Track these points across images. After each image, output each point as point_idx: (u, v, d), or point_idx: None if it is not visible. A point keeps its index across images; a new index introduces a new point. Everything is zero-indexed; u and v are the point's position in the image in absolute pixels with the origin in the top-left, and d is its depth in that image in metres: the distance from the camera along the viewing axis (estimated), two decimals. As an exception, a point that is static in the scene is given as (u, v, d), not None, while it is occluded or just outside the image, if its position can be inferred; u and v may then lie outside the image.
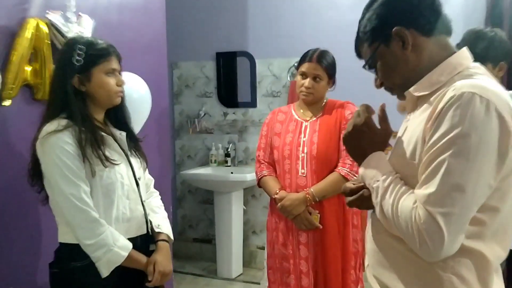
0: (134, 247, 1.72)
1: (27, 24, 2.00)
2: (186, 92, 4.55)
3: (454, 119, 1.01)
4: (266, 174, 2.49)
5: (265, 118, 2.65)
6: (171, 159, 4.42)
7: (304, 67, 2.39)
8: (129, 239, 1.73)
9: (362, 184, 1.24)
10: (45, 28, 2.04)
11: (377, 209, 1.15)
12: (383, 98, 1.32)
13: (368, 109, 1.23)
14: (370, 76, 1.29)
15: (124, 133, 1.83)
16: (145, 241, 1.83)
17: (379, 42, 1.20)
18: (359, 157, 1.24)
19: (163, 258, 1.80)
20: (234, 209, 4.06)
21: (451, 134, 1.01)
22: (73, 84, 1.69)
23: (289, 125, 2.47)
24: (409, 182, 1.12)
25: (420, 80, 1.17)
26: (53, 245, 1.75)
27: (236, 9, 4.26)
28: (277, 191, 2.40)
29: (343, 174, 2.33)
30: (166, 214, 1.97)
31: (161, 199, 2.02)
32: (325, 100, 2.48)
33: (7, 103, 1.97)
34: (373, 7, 1.21)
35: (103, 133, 1.74)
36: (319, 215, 2.35)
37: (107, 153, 1.70)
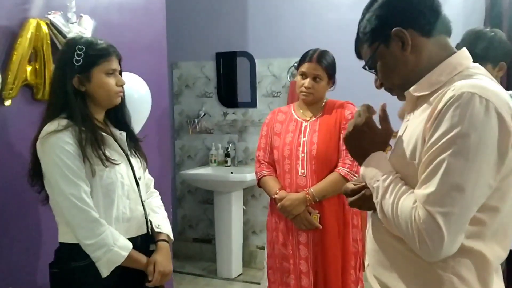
0: (134, 247, 1.72)
1: (27, 24, 2.00)
2: (186, 92, 4.55)
3: (454, 119, 1.01)
4: (266, 174, 2.49)
5: (265, 118, 2.65)
6: (171, 159, 4.42)
7: (304, 67, 2.40)
8: (129, 239, 1.73)
9: (363, 184, 1.25)
10: (45, 28, 2.04)
11: (378, 208, 1.16)
12: (383, 98, 1.32)
13: (369, 109, 1.23)
14: (370, 76, 1.29)
15: (124, 133, 1.83)
16: (145, 241, 1.84)
17: (379, 42, 1.20)
18: (360, 157, 1.24)
19: (163, 258, 1.80)
20: (234, 209, 4.06)
21: (451, 134, 1.01)
22: (73, 84, 1.69)
23: (289, 125, 2.47)
24: (409, 182, 1.12)
25: (419, 80, 1.17)
26: (53, 245, 1.75)
27: (236, 9, 4.26)
28: (277, 191, 2.40)
29: (343, 174, 2.34)
30: (166, 214, 1.97)
31: (161, 199, 2.02)
32: (325, 100, 2.48)
33: (7, 103, 1.98)
34: (372, 8, 1.21)
35: (103, 133, 1.74)
36: (319, 215, 2.35)
37: (107, 153, 1.70)
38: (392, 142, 1.26)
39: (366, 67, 1.26)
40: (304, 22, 4.00)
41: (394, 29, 1.16)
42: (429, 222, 1.01)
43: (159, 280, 1.77)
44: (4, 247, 2.01)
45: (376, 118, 1.25)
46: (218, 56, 4.36)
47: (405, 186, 1.11)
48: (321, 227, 2.35)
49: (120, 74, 1.81)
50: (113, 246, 1.65)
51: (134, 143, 1.89)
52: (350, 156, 2.30)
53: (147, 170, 1.96)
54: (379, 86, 1.27)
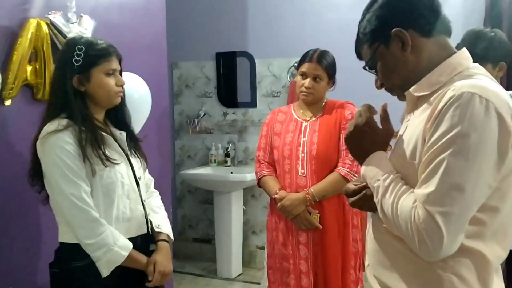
0: (134, 247, 1.72)
1: (27, 24, 2.00)
2: (186, 92, 4.55)
3: (454, 119, 1.01)
4: (266, 174, 2.49)
5: (265, 118, 2.65)
6: (171, 159, 4.42)
7: (304, 67, 2.40)
8: (129, 238, 1.74)
9: (364, 184, 1.25)
10: (45, 28, 2.05)
11: (378, 208, 1.16)
12: (383, 98, 1.32)
13: (369, 109, 1.23)
14: (370, 76, 1.29)
15: (124, 133, 1.83)
16: (145, 241, 1.84)
17: (379, 43, 1.20)
18: (361, 157, 1.24)
19: (163, 258, 1.80)
20: (234, 209, 4.06)
21: (451, 134, 1.01)
22: (72, 84, 1.69)
23: (289, 125, 2.47)
24: (409, 182, 1.12)
25: (419, 80, 1.17)
26: (53, 245, 1.75)
27: (236, 9, 4.26)
28: (277, 191, 2.40)
29: (343, 174, 2.34)
30: (166, 214, 1.98)
31: (161, 199, 2.03)
32: (325, 100, 2.49)
33: (7, 103, 1.98)
34: (372, 8, 1.21)
35: (103, 133, 1.74)
36: (319, 215, 2.35)
37: (107, 153, 1.70)
38: (392, 142, 1.26)
39: (366, 67, 1.26)
40: (304, 22, 4.00)
41: (394, 29, 1.16)
42: (428, 221, 1.02)
43: (159, 280, 1.77)
44: (4, 247, 2.01)
45: (377, 118, 1.25)
46: (218, 56, 4.36)
47: (405, 186, 1.11)
48: (321, 227, 2.35)
49: (120, 74, 1.81)
50: (113, 246, 1.65)
51: (134, 143, 1.89)
52: (350, 156, 2.33)
53: (147, 170, 1.96)
54: (379, 86, 1.27)
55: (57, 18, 2.08)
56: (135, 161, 1.85)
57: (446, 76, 1.14)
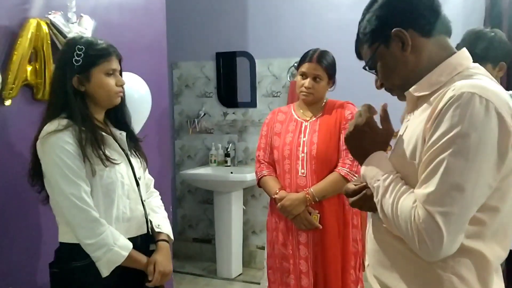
0: (134, 247, 1.72)
1: (27, 24, 2.00)
2: (186, 92, 4.55)
3: (454, 119, 1.01)
4: (266, 174, 2.49)
5: (265, 118, 2.65)
6: (171, 159, 4.42)
7: (304, 67, 2.40)
8: (129, 238, 1.74)
9: (364, 184, 1.25)
10: (45, 28, 2.05)
11: (378, 208, 1.16)
12: (383, 98, 1.32)
13: (370, 109, 1.24)
14: (370, 76, 1.29)
15: (124, 133, 1.84)
16: (145, 241, 1.84)
17: (379, 43, 1.20)
18: (361, 157, 1.24)
19: (163, 258, 1.80)
20: (234, 209, 4.06)
21: (451, 134, 1.01)
22: (72, 84, 1.69)
23: (289, 125, 2.47)
24: (410, 182, 1.12)
25: (419, 80, 1.17)
26: (53, 245, 1.75)
27: (236, 10, 4.26)
28: (277, 191, 2.40)
29: (343, 174, 2.34)
30: (166, 214, 1.98)
31: (161, 199, 2.03)
32: (325, 100, 2.49)
33: (7, 103, 1.98)
34: (372, 8, 1.21)
35: (103, 133, 1.74)
36: (319, 215, 2.35)
37: (107, 153, 1.70)
38: (393, 142, 1.26)
39: (366, 67, 1.26)
40: (304, 22, 4.00)
41: (394, 29, 1.16)
42: (428, 221, 1.02)
43: (159, 280, 1.77)
44: (4, 247, 2.01)
45: (377, 118, 1.25)
46: (218, 56, 4.36)
47: (405, 186, 1.11)
48: (321, 227, 2.35)
49: (121, 74, 1.81)
50: (113, 246, 1.65)
51: (134, 143, 1.89)
52: (350, 156, 2.33)
53: (147, 170, 1.96)
54: (379, 86, 1.27)
55: (57, 18, 2.08)
56: (135, 161, 1.85)
57: (446, 76, 1.14)
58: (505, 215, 1.09)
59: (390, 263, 1.20)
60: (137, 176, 1.83)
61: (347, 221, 2.40)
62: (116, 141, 1.79)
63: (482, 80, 1.09)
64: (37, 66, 2.05)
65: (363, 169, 1.23)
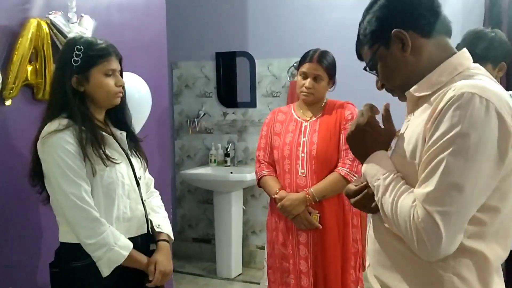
0: (134, 247, 1.72)
1: (28, 24, 2.00)
2: (186, 92, 4.55)
3: (454, 118, 1.01)
4: (266, 174, 2.49)
5: (265, 118, 2.65)
6: (171, 159, 4.42)
7: (304, 67, 2.40)
8: (130, 238, 1.74)
9: (365, 183, 1.25)
10: (46, 28, 2.05)
11: (379, 206, 1.16)
12: (383, 98, 1.32)
13: (371, 108, 1.24)
14: (370, 76, 1.29)
15: (124, 133, 1.84)
16: (146, 241, 1.84)
17: (379, 44, 1.20)
18: (362, 156, 1.24)
19: (163, 258, 1.80)
20: (234, 209, 4.06)
21: (451, 134, 1.01)
22: (71, 84, 1.69)
23: (289, 125, 2.47)
24: (410, 182, 1.12)
25: (420, 81, 1.17)
26: (53, 245, 1.75)
27: (235, 9, 4.26)
28: (277, 191, 2.40)
29: (343, 174, 2.34)
30: (166, 214, 1.98)
31: (161, 199, 2.03)
32: (325, 101, 2.49)
33: (8, 102, 1.98)
34: (372, 9, 1.22)
35: (103, 133, 1.74)
36: (318, 215, 2.36)
37: (107, 152, 1.70)
38: (394, 142, 1.26)
39: (367, 68, 1.26)
40: (304, 22, 4.00)
41: (394, 30, 1.16)
42: (427, 221, 1.02)
43: (159, 280, 1.77)
44: (4, 247, 2.01)
45: (379, 118, 1.25)
46: (218, 56, 4.36)
47: (405, 185, 1.12)
48: (321, 227, 2.35)
49: (121, 74, 1.81)
50: (113, 246, 1.65)
51: (135, 143, 1.89)
52: (350, 156, 2.33)
53: (147, 170, 1.96)
54: (380, 87, 1.28)
55: (57, 18, 2.08)
56: (136, 161, 1.85)
57: (446, 76, 1.14)
58: (506, 215, 1.09)
59: (390, 263, 1.20)
60: (138, 176, 1.83)
61: (347, 221, 2.40)
62: (117, 141, 1.79)
63: (482, 81, 1.09)
64: (37, 66, 2.05)
65: (364, 168, 1.23)
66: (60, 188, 1.63)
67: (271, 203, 2.52)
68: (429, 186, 1.03)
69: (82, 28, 2.16)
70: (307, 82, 2.39)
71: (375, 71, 1.25)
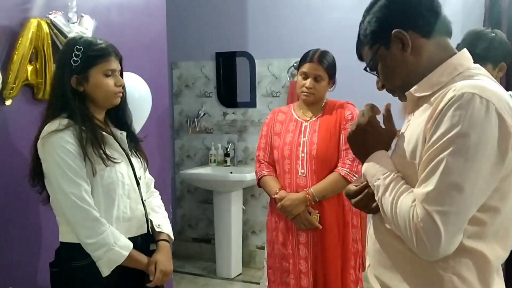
0: (134, 247, 1.72)
1: (28, 24, 2.00)
2: (186, 92, 4.55)
3: (454, 119, 1.01)
4: (266, 174, 2.49)
5: (265, 118, 2.65)
6: (171, 159, 4.42)
7: (305, 68, 2.40)
8: (130, 238, 1.74)
9: (365, 183, 1.25)
10: (46, 28, 2.05)
11: (379, 206, 1.16)
12: (383, 98, 1.33)
13: (372, 108, 1.24)
14: (370, 76, 1.30)
15: (124, 133, 1.84)
16: (146, 241, 1.84)
17: (379, 44, 1.20)
18: (363, 156, 1.25)
19: (164, 258, 1.81)
20: (234, 209, 4.06)
21: (451, 134, 1.01)
22: (71, 84, 1.69)
23: (289, 125, 2.47)
24: (410, 182, 1.12)
25: (420, 81, 1.17)
26: (53, 244, 1.75)
27: (235, 9, 4.26)
28: (277, 191, 2.40)
29: (342, 174, 2.34)
30: (166, 214, 1.98)
31: (161, 199, 2.03)
32: (325, 101, 2.49)
33: (8, 102, 1.98)
34: (373, 10, 1.22)
35: (103, 132, 1.74)
36: (318, 215, 2.36)
37: (107, 152, 1.70)
38: (394, 142, 1.27)
39: (367, 69, 1.26)
40: (304, 22, 4.00)
41: (394, 30, 1.16)
42: (426, 220, 1.02)
43: (160, 280, 1.77)
44: (4, 247, 2.01)
45: (379, 118, 1.25)
46: (218, 56, 4.36)
47: (405, 185, 1.12)
48: (321, 227, 2.35)
49: (122, 74, 1.80)
50: (113, 246, 1.65)
51: (135, 143, 1.89)
52: (350, 156, 2.33)
53: (147, 170, 1.96)
54: (380, 87, 1.28)
55: (57, 18, 2.08)
56: (136, 161, 1.85)
57: (447, 77, 1.14)
58: (506, 215, 1.09)
59: (390, 263, 1.20)
60: (138, 176, 1.83)
61: (347, 221, 2.40)
62: (117, 141, 1.80)
63: (482, 81, 1.09)
64: (37, 66, 2.05)
65: (364, 167, 1.23)
66: (60, 188, 1.63)
67: (271, 203, 2.52)
68: (429, 186, 1.03)
69: (82, 28, 2.16)
70: (308, 82, 2.39)
71: (375, 72, 1.25)
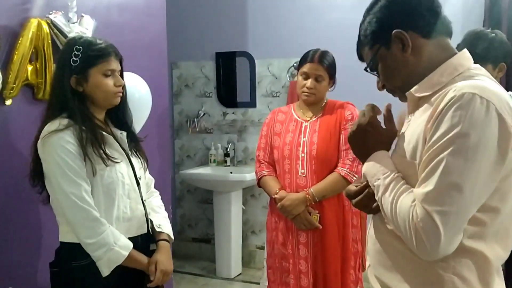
0: (134, 247, 1.72)
1: (28, 24, 2.00)
2: (186, 92, 4.55)
3: (454, 119, 1.02)
4: (266, 174, 2.49)
5: (265, 118, 2.65)
6: (171, 159, 4.42)
7: (305, 68, 2.40)
8: (130, 238, 1.74)
9: (365, 183, 1.25)
10: (46, 28, 2.05)
11: (379, 206, 1.16)
12: (383, 98, 1.33)
13: (373, 108, 1.24)
14: (370, 76, 1.30)
15: (124, 133, 1.84)
16: (146, 241, 1.84)
17: (380, 45, 1.20)
18: (363, 156, 1.25)
19: (164, 258, 1.81)
20: (233, 208, 4.06)
21: (451, 134, 1.01)
22: (70, 84, 1.69)
23: (289, 125, 2.47)
24: (410, 182, 1.12)
25: (420, 81, 1.18)
26: (53, 244, 1.75)
27: (235, 9, 4.26)
28: (277, 191, 2.40)
29: (342, 175, 2.34)
30: (166, 214, 1.98)
31: (161, 199, 2.03)
32: (325, 101, 2.49)
33: (8, 102, 1.98)
34: (373, 10, 1.22)
35: (103, 132, 1.74)
36: (318, 215, 2.36)
37: (108, 152, 1.70)
38: (395, 142, 1.27)
39: (368, 69, 1.26)
40: (304, 22, 4.00)
41: (394, 31, 1.16)
42: (426, 220, 1.02)
43: (160, 280, 1.77)
44: (4, 247, 2.01)
45: (380, 118, 1.25)
46: (218, 56, 4.36)
47: (405, 185, 1.12)
48: (321, 227, 2.35)
49: (122, 74, 1.80)
50: (113, 246, 1.65)
51: (135, 143, 1.89)
52: (350, 157, 2.33)
53: (147, 170, 1.96)
54: (381, 88, 1.28)
55: (58, 18, 2.08)
56: (136, 161, 1.85)
57: (447, 77, 1.14)
58: (506, 215, 1.09)
59: (391, 264, 1.20)
60: (138, 176, 1.83)
61: (347, 221, 2.40)
62: (117, 141, 1.80)
63: (483, 81, 1.09)
64: (37, 66, 2.06)
65: (364, 167, 1.23)
66: (60, 188, 1.63)
67: (271, 203, 2.52)
68: (429, 186, 1.03)
69: (83, 28, 2.16)
70: (309, 82, 2.39)
71: (375, 72, 1.26)
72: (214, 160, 4.35)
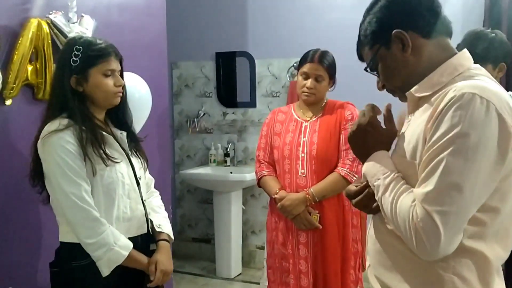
0: (134, 247, 1.72)
1: (28, 24, 2.00)
2: (186, 92, 4.55)
3: (454, 119, 1.02)
4: (266, 174, 2.49)
5: (265, 118, 2.65)
6: (171, 158, 4.42)
7: (305, 68, 2.40)
8: (130, 238, 1.74)
9: (365, 183, 1.25)
10: (46, 28, 2.05)
11: (379, 206, 1.16)
12: (383, 98, 1.33)
13: (373, 108, 1.24)
14: (370, 76, 1.30)
15: (124, 133, 1.84)
16: (146, 241, 1.84)
17: (380, 45, 1.20)
18: (363, 156, 1.25)
19: (164, 258, 1.81)
20: (233, 208, 4.06)
21: (451, 134, 1.01)
22: (70, 84, 1.69)
23: (289, 125, 2.47)
24: (410, 182, 1.12)
25: (420, 81, 1.18)
26: (53, 244, 1.75)
27: (235, 9, 4.26)
28: (277, 191, 2.40)
29: (342, 175, 2.34)
30: (166, 214, 1.98)
31: (161, 199, 2.03)
32: (325, 101, 2.49)
33: (8, 102, 1.98)
34: (373, 10, 1.22)
35: (103, 132, 1.74)
36: (318, 215, 2.36)
37: (107, 152, 1.70)
38: (395, 142, 1.27)
39: (368, 69, 1.26)
40: (304, 22, 4.00)
41: (394, 31, 1.16)
42: (426, 220, 1.02)
43: (160, 280, 1.77)
44: (4, 247, 2.01)
45: (380, 118, 1.25)
46: (218, 56, 4.36)
47: (405, 185, 1.12)
48: (321, 227, 2.35)
49: (122, 74, 1.80)
50: (113, 246, 1.65)
51: (135, 143, 1.89)
52: (350, 157, 2.33)
53: (147, 170, 1.96)
54: (381, 88, 1.28)
55: (58, 18, 2.08)
56: (136, 161, 1.85)
57: (447, 77, 1.14)
58: (506, 215, 1.09)
59: (391, 264, 1.20)
60: (138, 176, 1.83)
61: (347, 221, 2.41)
62: (117, 141, 1.80)
63: (483, 81, 1.09)
64: (37, 66, 2.06)
65: (364, 167, 1.23)
66: (60, 188, 1.63)
67: (271, 203, 2.52)
68: (429, 186, 1.03)
69: (83, 28, 2.16)
70: (309, 82, 2.39)
71: (375, 72, 1.26)
72: (214, 160, 4.35)
